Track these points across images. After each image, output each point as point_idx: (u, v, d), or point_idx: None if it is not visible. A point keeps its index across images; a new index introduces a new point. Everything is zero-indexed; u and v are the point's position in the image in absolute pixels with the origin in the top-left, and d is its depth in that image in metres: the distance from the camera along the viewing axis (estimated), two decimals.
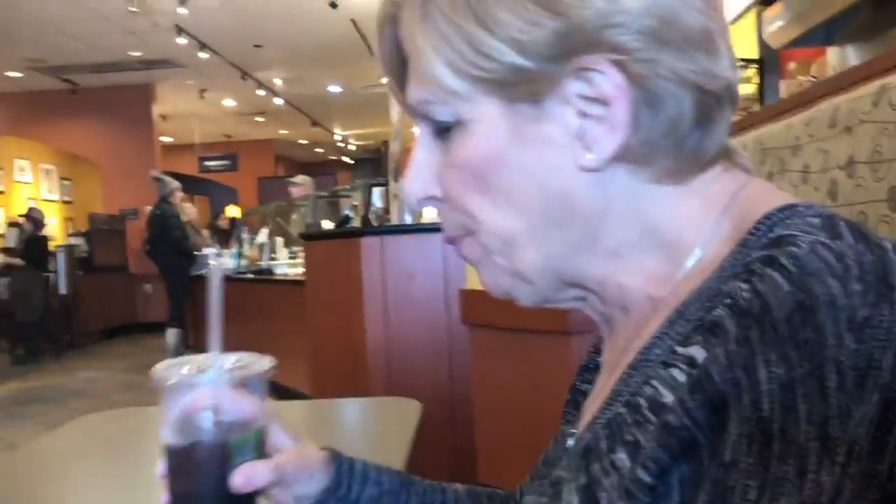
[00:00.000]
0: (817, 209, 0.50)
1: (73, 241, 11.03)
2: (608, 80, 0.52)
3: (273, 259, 7.10)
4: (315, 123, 15.49)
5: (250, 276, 7.05)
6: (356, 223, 4.51)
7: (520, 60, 0.52)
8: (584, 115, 0.53)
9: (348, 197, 6.52)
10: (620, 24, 0.51)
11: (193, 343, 8.21)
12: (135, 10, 8.38)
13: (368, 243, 3.49)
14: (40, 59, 10.19)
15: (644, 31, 0.52)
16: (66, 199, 12.37)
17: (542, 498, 0.56)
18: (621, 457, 0.47)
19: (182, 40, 9.14)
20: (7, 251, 9.10)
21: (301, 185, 7.48)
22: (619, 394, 0.54)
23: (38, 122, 11.75)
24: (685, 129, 0.54)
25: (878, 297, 0.43)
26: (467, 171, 0.57)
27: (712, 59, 0.54)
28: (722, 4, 0.58)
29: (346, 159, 21.07)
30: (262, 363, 0.68)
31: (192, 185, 11.00)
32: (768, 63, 4.09)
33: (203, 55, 9.80)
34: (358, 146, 19.84)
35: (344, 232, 4.10)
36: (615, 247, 0.56)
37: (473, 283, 3.24)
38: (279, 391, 5.88)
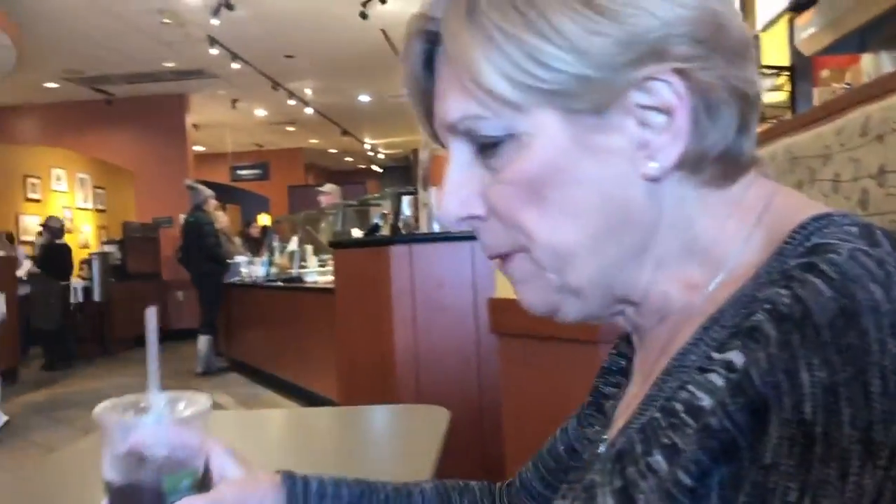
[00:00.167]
0: (853, 218, 0.51)
1: (106, 248, 11.19)
2: (671, 88, 0.53)
3: (303, 267, 7.15)
4: (345, 132, 15.58)
5: (280, 283, 7.10)
6: (385, 231, 4.53)
7: (582, 70, 0.52)
8: (644, 124, 0.54)
9: (378, 205, 6.55)
10: (682, 33, 0.52)
11: (224, 350, 8.28)
12: (168, 21, 8.51)
13: (397, 251, 3.50)
14: (77, 71, 10.39)
15: (701, 40, 0.52)
16: (101, 207, 12.55)
17: (575, 502, 0.57)
18: (658, 459, 0.47)
19: (214, 51, 9.26)
20: (32, 259, 9.23)
21: (329, 193, 7.52)
22: (653, 399, 0.54)
23: (74, 131, 11.97)
24: (732, 136, 0.55)
25: None
26: (523, 185, 0.55)
27: (751, 66, 0.56)
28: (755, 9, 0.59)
29: (375, 168, 21.16)
30: (200, 402, 0.68)
31: (223, 194, 11.10)
32: (800, 70, 4.04)
33: (235, 66, 9.92)
34: (387, 155, 19.92)
35: (373, 240, 4.12)
36: (662, 255, 0.57)
37: (502, 291, 3.24)
38: (308, 398, 5.91)
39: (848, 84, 3.41)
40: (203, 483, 0.67)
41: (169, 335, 11.36)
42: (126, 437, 0.64)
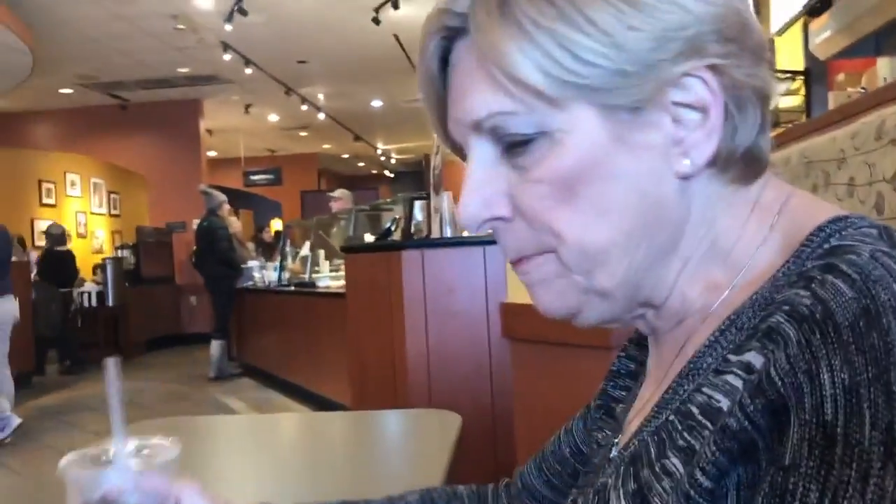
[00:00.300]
0: (870, 220, 0.51)
1: (120, 253, 11.26)
2: (705, 85, 0.53)
3: (315, 272, 7.16)
4: (357, 138, 15.62)
5: (292, 288, 7.12)
6: (397, 236, 4.53)
7: (620, 65, 0.51)
8: (678, 121, 0.53)
9: (390, 210, 6.56)
10: (713, 30, 0.52)
11: (237, 355, 8.30)
12: (182, 27, 8.57)
13: (409, 256, 3.50)
14: (91, 76, 10.47)
15: (730, 38, 0.53)
16: (115, 212, 12.63)
17: None
18: (674, 462, 0.47)
19: (228, 57, 9.30)
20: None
21: (340, 198, 7.54)
22: (668, 402, 0.54)
23: (88, 137, 12.05)
24: (754, 135, 0.55)
25: None
26: (556, 183, 0.54)
27: (767, 67, 0.56)
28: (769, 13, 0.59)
29: (387, 173, 21.20)
30: (168, 451, 0.67)
31: (236, 199, 11.17)
32: (815, 74, 4.02)
33: (248, 71, 9.97)
34: (399, 160, 19.95)
35: (385, 245, 4.12)
36: (688, 256, 0.56)
37: (514, 296, 3.23)
38: (320, 402, 5.92)
39: (863, 88, 3.39)
40: None
41: (182, 339, 11.43)
42: (94, 489, 0.62)
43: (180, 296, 11.85)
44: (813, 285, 0.45)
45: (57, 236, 9.12)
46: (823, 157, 0.89)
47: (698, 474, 0.45)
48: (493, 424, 3.36)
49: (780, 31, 4.25)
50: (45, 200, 11.05)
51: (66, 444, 5.25)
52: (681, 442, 0.47)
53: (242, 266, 8.34)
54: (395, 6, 7.68)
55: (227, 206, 8.21)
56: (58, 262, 8.96)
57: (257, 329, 7.91)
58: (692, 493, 0.45)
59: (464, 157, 0.60)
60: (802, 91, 4.14)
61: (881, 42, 3.26)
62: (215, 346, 7.94)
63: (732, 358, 0.47)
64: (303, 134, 15.60)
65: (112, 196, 12.50)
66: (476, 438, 3.27)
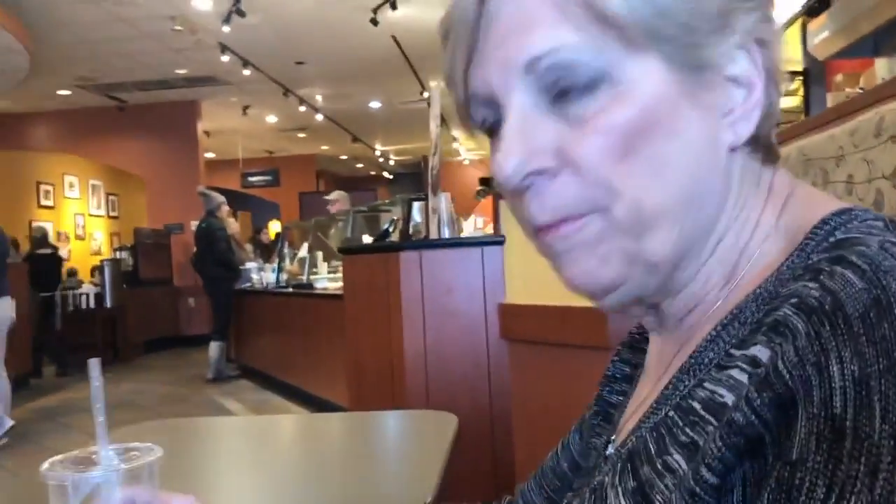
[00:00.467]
0: (874, 213, 0.50)
1: (118, 255, 11.26)
2: (751, 60, 0.53)
3: (314, 273, 7.16)
4: (356, 139, 15.63)
5: (290, 290, 7.11)
6: (395, 237, 4.53)
7: (693, 20, 0.50)
8: (728, 90, 0.53)
9: (388, 211, 6.55)
10: (762, 9, 0.53)
11: (235, 357, 8.30)
12: (180, 29, 8.56)
13: (407, 257, 3.50)
14: (89, 78, 10.46)
15: (769, 20, 0.53)
16: (113, 214, 12.63)
17: None
18: (676, 458, 0.46)
19: (226, 58, 9.31)
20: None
21: (337, 201, 7.53)
22: (667, 398, 0.53)
23: (86, 138, 12.05)
24: (774, 119, 0.55)
25: None
26: (617, 136, 0.50)
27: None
28: None
29: (386, 174, 21.21)
30: (150, 454, 0.66)
31: (234, 201, 11.16)
32: (814, 75, 4.02)
33: (246, 72, 9.97)
34: (397, 161, 19.97)
35: (382, 246, 4.11)
36: (720, 236, 0.55)
37: (512, 297, 3.23)
38: (318, 404, 5.91)
39: (862, 88, 3.39)
40: None
41: (180, 341, 11.43)
42: (77, 495, 0.62)
43: (178, 297, 11.84)
44: (821, 277, 0.44)
45: (39, 238, 9.02)
46: (822, 155, 0.88)
47: (704, 471, 0.44)
48: (490, 425, 3.36)
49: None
50: (43, 202, 11.05)
51: (63, 445, 5.23)
52: (683, 438, 0.46)
53: (240, 267, 8.34)
54: (394, 7, 7.67)
55: (225, 208, 8.22)
56: (40, 265, 8.72)
57: (255, 331, 7.91)
58: (697, 489, 0.44)
59: (477, 126, 0.57)
60: (801, 91, 4.14)
61: (879, 43, 3.26)
62: (214, 348, 7.94)
63: (736, 352, 0.46)
64: (301, 135, 15.60)
65: (110, 198, 12.49)
66: (474, 439, 3.27)
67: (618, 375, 0.73)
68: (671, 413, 0.49)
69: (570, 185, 0.51)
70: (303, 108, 12.25)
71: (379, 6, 7.81)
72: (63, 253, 11.21)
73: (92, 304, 9.88)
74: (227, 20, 7.97)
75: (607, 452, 0.63)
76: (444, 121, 11.73)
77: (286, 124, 14.38)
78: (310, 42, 9.37)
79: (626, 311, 0.60)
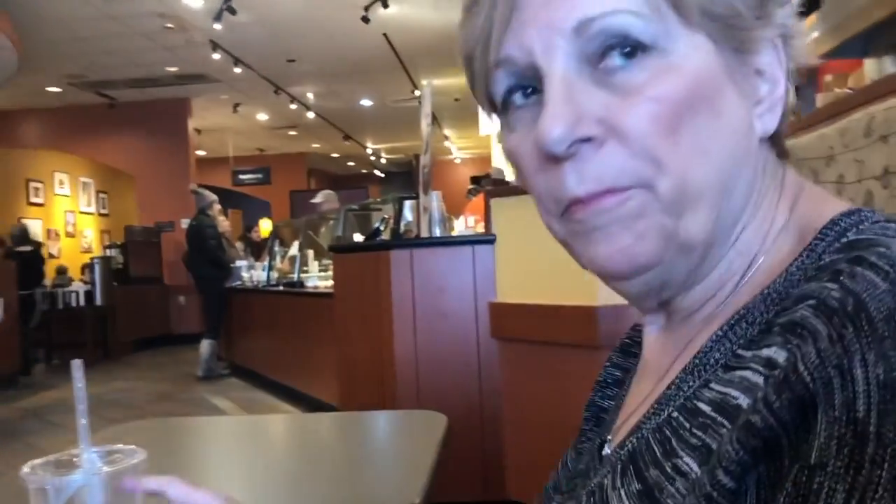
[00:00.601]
0: (885, 214, 0.50)
1: (108, 253, 11.21)
2: (777, 56, 0.53)
3: (304, 271, 7.15)
4: (347, 137, 15.61)
5: (281, 288, 7.10)
6: (386, 236, 4.53)
7: (739, 4, 0.51)
8: (755, 83, 0.53)
9: (379, 210, 6.54)
10: (791, 6, 0.53)
11: (225, 355, 8.27)
12: (171, 26, 8.53)
13: (398, 256, 3.50)
14: (80, 75, 10.41)
15: (796, 19, 0.54)
16: (103, 211, 12.58)
17: None
18: (686, 461, 0.45)
19: (217, 56, 9.28)
20: None
21: (324, 202, 7.52)
22: (671, 398, 0.52)
23: (77, 136, 11.99)
24: (787, 117, 0.56)
25: None
26: (666, 108, 0.49)
27: None
28: None
29: (377, 173, 21.19)
30: (134, 457, 0.65)
31: (225, 199, 11.13)
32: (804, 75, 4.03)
33: (237, 70, 9.94)
34: (389, 160, 19.95)
35: (373, 245, 4.11)
36: (745, 225, 0.54)
37: (503, 296, 3.23)
38: (308, 403, 5.90)
39: (851, 89, 3.40)
40: None
41: (170, 340, 11.39)
42: (59, 498, 0.61)
43: (169, 296, 11.80)
44: (842, 278, 0.43)
45: (17, 236, 8.89)
46: (812, 155, 0.88)
47: (721, 474, 0.42)
48: (481, 424, 3.36)
49: None
50: (32, 200, 10.99)
51: (51, 444, 5.22)
52: (693, 441, 0.45)
53: (231, 266, 8.32)
54: (385, 5, 7.67)
55: (217, 206, 8.20)
56: (17, 263, 8.45)
57: (245, 329, 7.89)
58: (714, 494, 0.43)
59: (495, 99, 0.55)
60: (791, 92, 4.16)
61: (868, 43, 3.27)
62: (205, 346, 7.92)
63: (746, 353, 0.46)
64: (292, 133, 15.57)
65: (101, 195, 12.44)
66: (464, 438, 3.27)
67: (609, 380, 0.72)
68: (675, 414, 0.48)
69: (616, 155, 0.50)
70: (294, 106, 12.23)
71: (370, 4, 7.80)
72: (54, 251, 11.17)
73: (82, 302, 9.84)
74: (218, 18, 7.94)
75: (604, 453, 0.62)
76: (435, 119, 11.72)
77: (277, 122, 14.35)
78: (301, 40, 9.35)
79: (642, 302, 0.59)
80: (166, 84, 11.09)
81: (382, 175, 21.21)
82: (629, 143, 0.49)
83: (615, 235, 0.51)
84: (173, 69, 10.43)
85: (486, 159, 11.68)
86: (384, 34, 8.80)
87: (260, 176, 15.92)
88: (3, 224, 9.84)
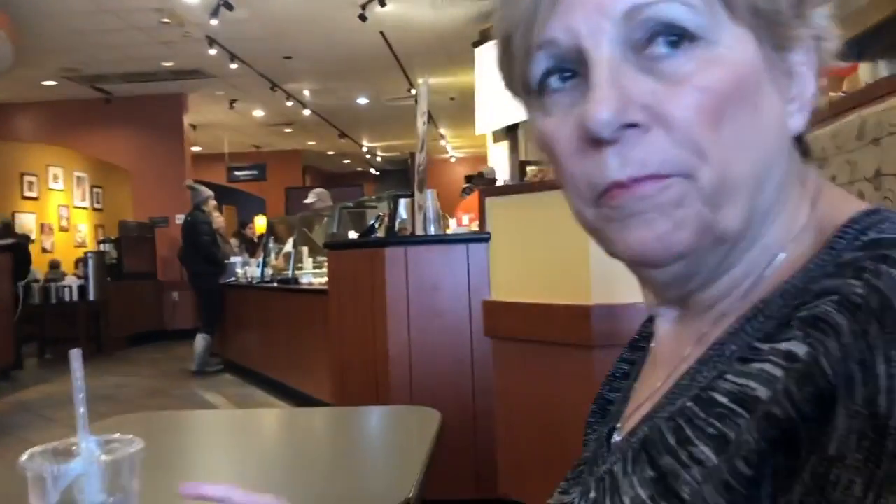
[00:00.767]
0: None
1: (102, 247, 11.18)
2: (813, 55, 0.54)
3: (298, 268, 7.14)
4: (343, 135, 15.59)
5: (275, 284, 7.09)
6: (381, 234, 4.53)
7: (782, 1, 0.52)
8: (788, 82, 0.54)
9: (374, 207, 6.54)
10: (827, 8, 0.54)
11: (218, 351, 8.26)
12: (167, 21, 8.51)
13: (392, 254, 3.50)
14: (75, 69, 10.38)
15: (831, 22, 0.54)
16: (97, 206, 12.55)
17: (590, 494, 0.55)
18: (703, 450, 0.46)
19: (213, 51, 9.26)
20: None
21: (316, 200, 7.50)
22: (685, 389, 0.53)
23: (71, 129, 11.95)
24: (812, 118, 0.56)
25: None
26: (711, 98, 0.50)
27: None
28: None
29: (373, 171, 21.18)
30: (131, 446, 0.65)
31: (220, 195, 11.11)
32: None
33: (233, 66, 9.92)
34: (384, 158, 19.94)
35: (368, 242, 4.11)
36: (769, 223, 0.55)
37: (497, 294, 3.23)
38: (301, 399, 5.90)
39: (845, 92, 3.41)
40: None
41: (163, 335, 11.37)
42: (56, 486, 0.61)
43: (162, 291, 11.77)
44: (865, 275, 0.43)
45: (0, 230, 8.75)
46: None
47: (739, 463, 0.43)
48: (473, 422, 3.37)
49: None
50: (27, 193, 10.96)
51: (44, 438, 5.17)
52: (710, 430, 0.46)
53: (225, 262, 8.30)
54: (382, 3, 7.66)
55: (213, 202, 8.18)
56: (11, 257, 8.27)
57: (239, 325, 7.88)
58: (732, 481, 0.43)
59: (532, 82, 0.55)
60: None
61: (863, 47, 3.28)
62: (199, 340, 7.91)
63: (763, 346, 0.46)
64: (288, 130, 15.55)
65: (95, 190, 12.41)
66: (457, 435, 3.27)
67: (617, 374, 0.73)
68: (689, 404, 0.49)
69: (661, 142, 0.50)
70: (290, 103, 12.21)
71: (367, 2, 7.80)
72: (47, 245, 11.14)
73: (75, 297, 9.81)
74: (214, 13, 7.92)
75: (613, 441, 0.62)
76: (431, 118, 11.72)
77: (273, 119, 14.32)
78: (298, 37, 9.33)
79: (665, 291, 0.59)
80: (162, 79, 11.06)
81: (377, 173, 21.19)
82: (674, 131, 0.50)
83: (654, 222, 0.51)
84: (169, 64, 10.40)
85: (481, 158, 11.68)
86: (381, 32, 8.79)
87: (255, 172, 15.88)
88: None
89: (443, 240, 3.61)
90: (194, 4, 8.04)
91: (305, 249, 7.33)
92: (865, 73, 3.36)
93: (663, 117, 0.50)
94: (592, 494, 0.54)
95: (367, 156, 19.08)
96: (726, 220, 0.51)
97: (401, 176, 19.06)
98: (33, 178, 11.08)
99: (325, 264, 5.29)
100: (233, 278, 8.25)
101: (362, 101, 13.22)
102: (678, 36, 0.50)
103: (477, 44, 7.90)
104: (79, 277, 10.16)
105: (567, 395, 2.61)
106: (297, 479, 1.24)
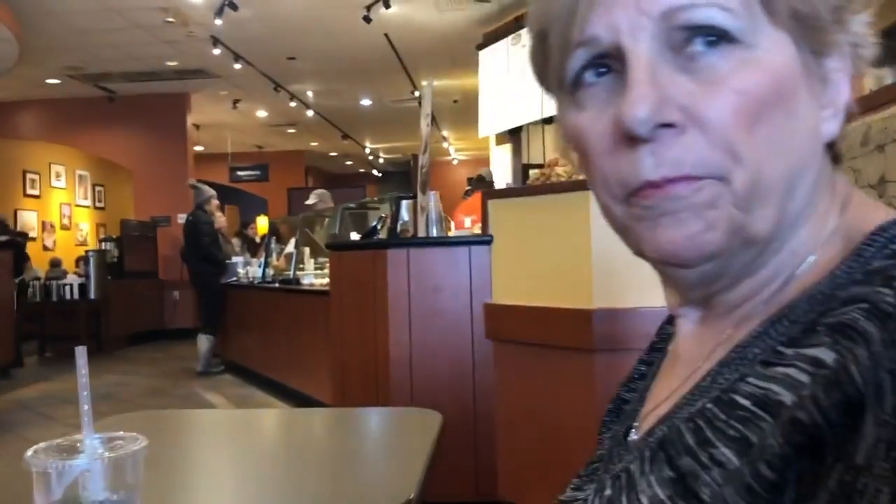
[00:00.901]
0: None
1: (104, 246, 11.19)
2: (848, 62, 0.54)
3: (300, 269, 7.14)
4: (346, 136, 15.59)
5: (276, 285, 7.09)
6: (383, 235, 4.53)
7: (821, 7, 0.51)
8: (824, 88, 0.54)
9: (376, 209, 6.54)
10: (864, 16, 0.54)
11: (219, 351, 8.26)
12: (172, 20, 8.52)
13: (394, 255, 3.50)
14: (79, 67, 10.39)
15: (868, 29, 0.54)
16: (99, 205, 12.56)
17: (605, 491, 0.54)
18: (724, 452, 0.46)
19: (217, 51, 9.26)
20: None
21: (317, 202, 7.50)
22: (705, 390, 0.53)
23: (74, 128, 11.96)
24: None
25: None
26: (748, 100, 0.50)
27: None
28: None
29: (375, 172, 21.18)
30: (135, 443, 0.66)
31: (222, 195, 11.11)
32: None
33: (237, 66, 9.92)
34: (387, 160, 19.94)
35: (370, 243, 4.11)
36: (798, 228, 0.55)
37: (498, 297, 3.23)
38: (302, 400, 5.90)
39: None
40: None
41: (164, 335, 11.37)
42: (61, 482, 0.62)
43: (163, 291, 11.77)
44: (895, 283, 0.43)
45: None
46: None
47: (762, 467, 0.43)
48: (474, 424, 3.37)
49: None
50: (29, 191, 10.98)
51: (44, 436, 5.17)
52: (731, 433, 0.46)
53: (226, 262, 8.30)
54: (387, 5, 7.66)
55: (215, 202, 8.18)
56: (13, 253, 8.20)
57: (240, 325, 7.88)
58: (755, 485, 0.43)
59: (567, 76, 0.55)
60: None
61: None
62: (202, 341, 7.90)
63: (788, 351, 0.46)
64: (290, 131, 15.55)
65: (97, 188, 12.43)
66: (457, 438, 3.27)
67: (635, 376, 0.73)
68: (709, 405, 0.49)
69: (696, 143, 0.50)
70: (293, 104, 12.21)
71: (372, 4, 7.80)
72: (49, 243, 11.15)
73: (76, 295, 9.82)
74: (219, 13, 7.92)
75: (629, 439, 0.62)
76: (434, 120, 11.73)
77: (276, 119, 14.32)
78: (302, 38, 9.34)
79: (690, 292, 0.59)
80: (166, 78, 11.07)
81: (380, 174, 21.19)
82: (710, 133, 0.50)
83: (686, 221, 0.51)
84: (173, 64, 10.41)
85: (483, 161, 11.68)
86: (385, 34, 8.79)
87: (258, 173, 15.88)
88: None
89: (445, 242, 3.61)
90: (199, 4, 8.05)
91: (307, 250, 7.34)
92: (870, 80, 3.36)
93: (699, 119, 0.50)
94: (608, 492, 0.54)
95: (370, 157, 19.08)
96: (757, 224, 0.51)
97: (403, 178, 19.06)
98: (35, 176, 11.10)
99: (327, 265, 5.29)
100: (234, 278, 8.26)
101: (366, 102, 13.23)
102: (717, 36, 0.50)
103: (481, 47, 7.92)
104: (80, 276, 10.16)
105: (568, 399, 2.61)
106: (297, 478, 1.24)
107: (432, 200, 3.78)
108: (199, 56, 9.83)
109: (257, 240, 11.06)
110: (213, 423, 1.90)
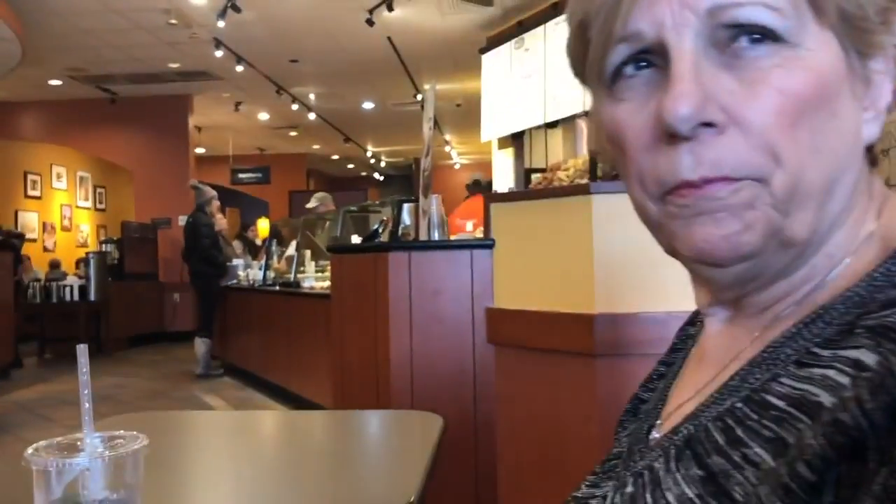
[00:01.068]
0: None
1: (104, 248, 11.19)
2: (892, 64, 0.53)
3: (301, 272, 7.14)
4: (348, 139, 15.60)
5: (277, 288, 7.09)
6: (384, 238, 4.52)
7: (868, 8, 0.51)
8: (866, 90, 0.53)
9: (378, 212, 6.54)
10: None
11: (219, 354, 8.26)
12: (174, 22, 8.53)
13: (396, 258, 3.49)
14: (81, 69, 10.40)
15: None
16: (100, 206, 12.56)
17: (627, 488, 0.54)
18: (758, 452, 0.46)
19: (219, 53, 9.27)
20: None
21: (319, 205, 7.50)
22: (734, 389, 0.52)
23: (76, 129, 11.98)
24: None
25: None
26: (792, 99, 0.49)
27: None
28: None
29: (377, 176, 21.19)
30: (135, 442, 0.66)
31: (223, 197, 11.11)
32: None
33: (240, 69, 9.93)
34: (389, 163, 19.95)
35: (371, 246, 4.10)
36: (835, 231, 0.54)
37: (500, 301, 3.22)
38: (302, 404, 5.89)
39: None
40: None
41: (164, 337, 11.36)
42: (61, 480, 0.62)
43: (164, 293, 11.78)
44: None
45: None
46: None
47: (801, 467, 0.43)
48: (474, 429, 3.36)
49: None
50: (30, 192, 10.98)
51: (43, 437, 5.16)
52: (766, 433, 0.46)
53: (227, 264, 8.30)
54: (390, 8, 7.67)
55: (216, 203, 8.18)
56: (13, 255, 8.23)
57: (240, 328, 7.87)
58: (793, 485, 0.43)
59: (606, 70, 0.54)
60: None
61: None
62: (200, 344, 7.89)
63: (824, 352, 0.46)
64: (292, 134, 15.57)
65: (98, 190, 12.43)
66: (457, 442, 3.26)
67: (654, 376, 0.73)
68: (739, 405, 0.49)
69: (737, 144, 0.49)
70: (295, 107, 12.22)
71: (375, 7, 7.81)
72: (49, 244, 11.15)
73: (76, 297, 9.81)
74: (222, 15, 7.93)
75: (652, 436, 0.62)
76: (436, 124, 11.73)
77: (278, 122, 14.34)
78: (304, 40, 9.35)
79: (724, 292, 0.58)
80: (168, 80, 11.08)
81: (381, 178, 21.20)
82: (751, 134, 0.49)
83: (723, 221, 0.50)
84: (175, 65, 10.42)
85: (485, 165, 11.69)
86: (388, 37, 8.80)
87: (259, 175, 15.89)
88: (0, 216, 9.83)
89: (447, 245, 3.61)
90: (201, 5, 8.06)
91: (308, 253, 7.34)
92: None
93: (741, 119, 0.49)
94: (629, 489, 0.54)
95: (372, 160, 19.09)
96: (795, 226, 0.51)
97: (404, 181, 19.08)
98: (37, 177, 11.10)
99: (328, 268, 5.28)
100: (234, 281, 8.25)
101: (368, 105, 13.24)
102: (762, 34, 0.49)
103: (483, 50, 7.93)
104: (80, 277, 10.17)
105: (569, 404, 2.60)
106: (297, 481, 1.24)
107: (434, 204, 3.78)
108: (202, 58, 9.84)
109: (258, 242, 11.06)
110: (213, 425, 1.89)
